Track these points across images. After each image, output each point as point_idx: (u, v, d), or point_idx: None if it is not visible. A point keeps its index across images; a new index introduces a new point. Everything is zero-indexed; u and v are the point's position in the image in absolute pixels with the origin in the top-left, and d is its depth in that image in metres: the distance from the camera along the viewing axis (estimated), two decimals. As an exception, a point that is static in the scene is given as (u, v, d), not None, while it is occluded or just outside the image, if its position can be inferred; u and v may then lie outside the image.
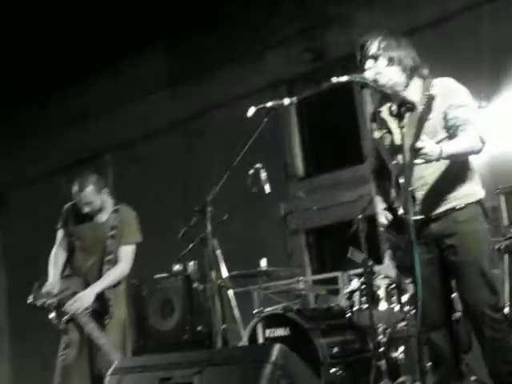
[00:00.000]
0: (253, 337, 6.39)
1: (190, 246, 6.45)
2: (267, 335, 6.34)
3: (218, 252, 6.21)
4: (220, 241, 6.23)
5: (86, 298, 5.80)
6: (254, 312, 6.60)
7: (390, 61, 4.37)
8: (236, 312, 6.42)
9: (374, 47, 4.40)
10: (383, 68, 4.37)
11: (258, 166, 6.20)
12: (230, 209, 6.30)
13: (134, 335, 8.95)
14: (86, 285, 5.93)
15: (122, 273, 6.03)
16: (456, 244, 4.33)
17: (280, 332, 6.30)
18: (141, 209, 11.73)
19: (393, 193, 4.56)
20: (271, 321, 6.37)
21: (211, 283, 5.50)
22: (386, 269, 6.02)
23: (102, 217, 6.13)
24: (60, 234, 6.20)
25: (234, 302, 6.41)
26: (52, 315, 5.83)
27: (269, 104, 4.65)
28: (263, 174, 6.21)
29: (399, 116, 3.90)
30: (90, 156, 12.72)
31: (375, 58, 4.38)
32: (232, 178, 5.00)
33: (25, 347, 12.86)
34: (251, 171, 6.18)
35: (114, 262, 6.00)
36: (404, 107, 3.89)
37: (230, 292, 6.44)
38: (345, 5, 9.80)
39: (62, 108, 13.01)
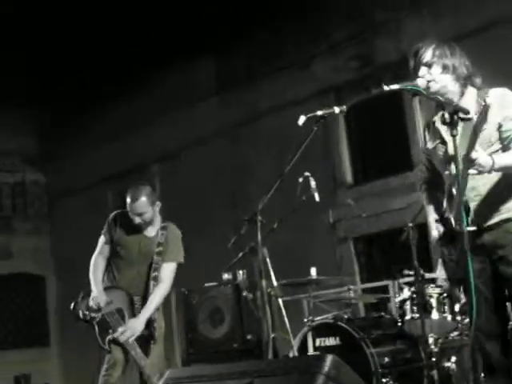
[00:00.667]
0: (303, 346, 6.37)
1: (240, 254, 6.45)
2: (317, 344, 6.32)
3: (268, 261, 6.19)
4: (269, 249, 6.21)
5: (137, 326, 5.74)
6: (304, 321, 6.57)
7: (445, 68, 4.32)
8: (286, 321, 6.39)
9: (428, 54, 4.35)
10: (437, 75, 4.32)
11: (307, 174, 6.19)
12: (280, 217, 6.29)
13: (183, 344, 8.98)
14: (129, 298, 5.88)
15: (165, 291, 5.96)
16: (508, 254, 4.28)
17: (330, 341, 6.28)
18: (189, 218, 11.90)
19: (445, 203, 4.51)
20: (321, 330, 6.34)
21: (261, 292, 5.47)
22: (440, 277, 5.97)
23: (151, 231, 6.06)
24: (102, 240, 6.11)
25: (283, 311, 6.38)
26: (96, 331, 5.76)
27: (319, 112, 4.61)
28: (313, 183, 6.20)
29: (452, 124, 3.85)
30: (137, 166, 12.82)
31: (429, 65, 4.33)
32: (281, 186, 4.99)
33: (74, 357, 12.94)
34: (301, 179, 6.17)
35: (158, 279, 5.92)
36: (457, 115, 3.84)
37: (280, 301, 6.41)
38: (393, 11, 9.75)
39: (112, 118, 13.14)
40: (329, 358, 3.35)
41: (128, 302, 5.86)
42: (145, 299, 5.86)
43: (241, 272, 7.60)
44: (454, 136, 3.86)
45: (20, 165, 14.30)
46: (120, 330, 5.69)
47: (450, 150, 4.28)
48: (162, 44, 11.12)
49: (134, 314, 5.81)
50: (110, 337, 5.70)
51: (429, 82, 4.31)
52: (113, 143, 13.06)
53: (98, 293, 5.81)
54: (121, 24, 10.76)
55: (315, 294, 7.28)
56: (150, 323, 5.81)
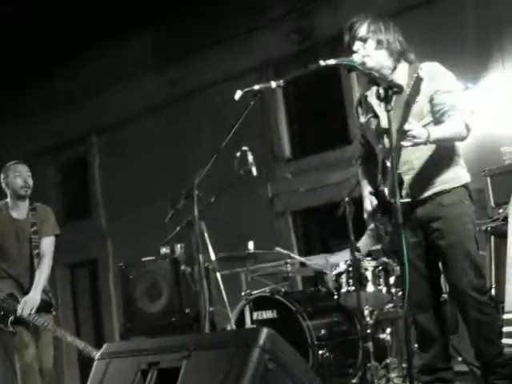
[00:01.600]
0: (240, 319, 6.41)
1: (177, 228, 6.45)
2: (255, 318, 6.37)
3: (206, 235, 6.21)
4: (207, 224, 6.22)
5: (35, 296, 6.06)
6: (242, 294, 6.61)
7: (379, 44, 4.38)
8: (224, 295, 6.43)
9: (362, 29, 4.40)
10: (371, 51, 4.37)
11: (245, 148, 6.20)
12: (217, 192, 6.30)
13: (121, 318, 8.97)
14: (16, 283, 6.19)
15: (49, 264, 6.35)
16: (442, 227, 4.36)
17: (267, 314, 6.34)
18: (127, 192, 11.84)
19: (379, 177, 4.57)
20: (259, 303, 6.39)
21: (199, 266, 5.49)
22: (364, 246, 6.08)
23: (21, 213, 6.41)
24: None
25: (221, 285, 6.41)
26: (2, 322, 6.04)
27: (256, 87, 4.63)
28: (250, 157, 6.21)
29: (386, 99, 3.90)
30: (76, 138, 12.70)
31: (364, 40, 4.38)
32: (218, 160, 5.00)
33: None
34: (238, 154, 6.18)
35: (41, 255, 6.32)
36: (391, 90, 3.89)
37: (218, 275, 6.44)
38: (333, -16, 9.77)
39: (48, 90, 12.96)
40: (264, 331, 3.38)
41: (17, 286, 6.16)
42: (32, 277, 6.20)
43: (178, 246, 7.61)
44: (388, 111, 3.91)
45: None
46: (19, 306, 6.00)
47: (383, 124, 4.35)
48: (101, 17, 10.96)
49: (25, 293, 6.10)
50: (11, 318, 5.99)
51: (363, 56, 4.36)
52: (50, 116, 12.89)
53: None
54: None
55: (253, 268, 7.33)
56: (45, 293, 6.18)
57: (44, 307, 6.13)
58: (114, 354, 3.74)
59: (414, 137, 3.99)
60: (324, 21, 9.77)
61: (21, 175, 6.44)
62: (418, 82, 3.92)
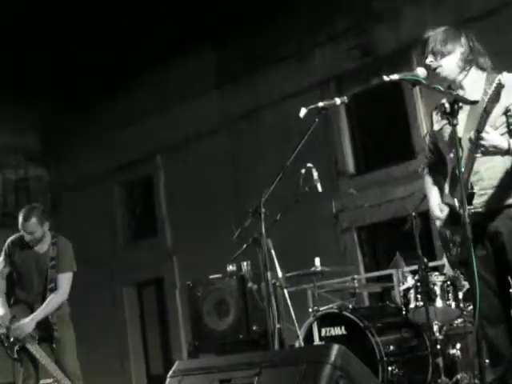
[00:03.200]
0: (308, 336, 6.40)
1: (244, 246, 6.47)
2: (323, 334, 6.36)
3: (273, 252, 6.23)
4: (273, 241, 6.24)
5: (26, 325, 6.32)
6: (309, 311, 6.61)
7: (450, 53, 4.35)
8: (291, 311, 6.43)
9: (435, 42, 4.37)
10: (444, 61, 4.35)
11: (310, 165, 6.21)
12: (283, 209, 6.32)
13: (189, 336, 9.03)
14: (30, 309, 6.48)
15: (61, 299, 6.57)
16: (509, 241, 4.29)
17: (336, 331, 6.31)
18: (193, 210, 11.94)
19: (447, 187, 4.53)
20: (327, 320, 6.38)
21: (266, 283, 5.51)
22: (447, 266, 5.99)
23: (42, 247, 6.63)
24: (1, 264, 6.67)
25: (289, 302, 6.41)
26: (5, 344, 6.38)
27: (320, 104, 4.63)
28: (315, 173, 6.22)
29: (452, 114, 3.87)
30: (141, 158, 12.87)
31: (436, 53, 4.36)
32: (283, 177, 5.02)
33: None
34: (303, 170, 6.19)
35: (54, 290, 6.54)
36: (457, 104, 3.86)
37: (285, 291, 6.45)
38: (391, 0, 9.76)
39: (113, 111, 13.18)
40: (335, 348, 3.39)
41: (30, 313, 6.42)
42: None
43: (245, 263, 7.63)
44: (454, 125, 3.88)
45: (23, 161, 14.33)
46: (12, 329, 6.33)
47: (458, 133, 4.30)
48: (163, 37, 11.12)
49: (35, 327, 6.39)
50: (17, 347, 6.31)
51: (435, 69, 4.34)
52: (115, 137, 13.11)
53: (3, 310, 6.45)
54: (121, 18, 10.77)
55: (320, 284, 7.32)
56: (48, 328, 6.45)
57: (45, 339, 6.41)
58: (186, 371, 3.78)
59: (493, 146, 3.94)
60: (384, 36, 9.77)
61: (24, 230, 6.53)
62: (498, 88, 3.88)
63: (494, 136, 3.94)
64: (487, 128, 3.92)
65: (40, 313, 6.40)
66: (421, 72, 4.30)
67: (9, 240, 6.69)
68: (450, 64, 4.36)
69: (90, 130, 13.55)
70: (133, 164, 13.05)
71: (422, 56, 4.42)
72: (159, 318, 13.26)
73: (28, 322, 6.34)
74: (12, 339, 6.32)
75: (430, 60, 4.36)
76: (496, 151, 3.98)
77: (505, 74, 4.18)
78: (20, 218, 6.49)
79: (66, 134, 13.96)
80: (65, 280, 6.60)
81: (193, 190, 11.98)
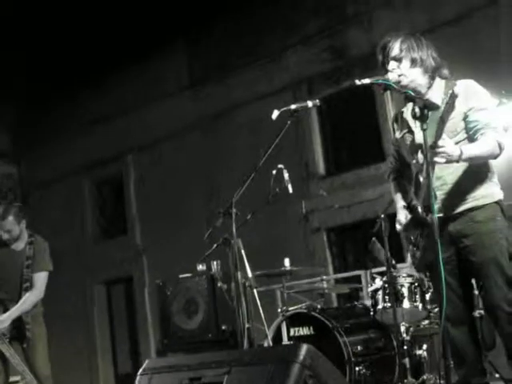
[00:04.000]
0: (277, 336, 6.45)
1: (214, 246, 6.49)
2: (291, 334, 6.40)
3: (243, 252, 6.26)
4: (244, 241, 6.27)
5: (0, 322, 6.38)
6: (278, 311, 6.65)
7: (413, 62, 4.41)
8: (261, 311, 6.47)
9: (396, 49, 4.43)
10: (406, 70, 4.41)
11: (281, 166, 6.25)
12: (253, 209, 6.35)
13: (157, 335, 9.03)
14: (5, 308, 6.53)
15: (36, 298, 6.64)
16: (474, 243, 4.36)
17: (304, 331, 6.36)
18: (164, 209, 11.94)
19: (411, 192, 4.60)
20: (295, 320, 6.42)
21: (236, 282, 5.54)
22: (411, 267, 6.05)
23: (19, 245, 6.73)
24: None
25: (258, 302, 6.45)
26: None
27: (292, 106, 4.68)
28: (286, 174, 6.26)
29: (422, 118, 3.93)
30: (112, 156, 12.84)
31: (398, 59, 4.41)
32: (255, 178, 5.06)
33: None
34: (274, 172, 6.23)
35: (30, 289, 6.61)
36: (427, 109, 3.93)
37: (255, 291, 6.49)
38: (364, 3, 9.83)
39: (84, 109, 13.13)
40: (304, 347, 3.43)
41: (2, 312, 6.50)
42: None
43: (215, 263, 7.65)
44: (424, 130, 3.95)
45: (-8, 158, 14.26)
46: None
47: (418, 139, 4.38)
48: (136, 36, 11.12)
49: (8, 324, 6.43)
50: None
51: (399, 76, 4.40)
52: (87, 134, 13.06)
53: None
54: (93, 16, 10.76)
55: (289, 284, 7.36)
56: (21, 325, 6.50)
57: (17, 337, 6.46)
58: (156, 369, 3.81)
59: (447, 154, 4.02)
60: (356, 39, 9.84)
61: (1, 229, 6.64)
62: (452, 98, 3.95)
63: (447, 143, 4.01)
64: (443, 136, 4.00)
65: (15, 311, 6.44)
66: (392, 77, 4.36)
67: None
68: (413, 73, 4.42)
69: (61, 128, 13.47)
70: (103, 162, 13.00)
71: (383, 61, 4.47)
72: (128, 317, 13.24)
73: (3, 320, 6.38)
74: None
75: (392, 67, 4.42)
76: (450, 158, 4.06)
77: (459, 82, 4.27)
78: None
79: (37, 131, 13.88)
80: (41, 279, 6.66)
81: (164, 190, 11.99)
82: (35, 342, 6.53)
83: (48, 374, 6.61)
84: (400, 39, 4.45)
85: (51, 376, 6.65)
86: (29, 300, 6.53)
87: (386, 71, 4.40)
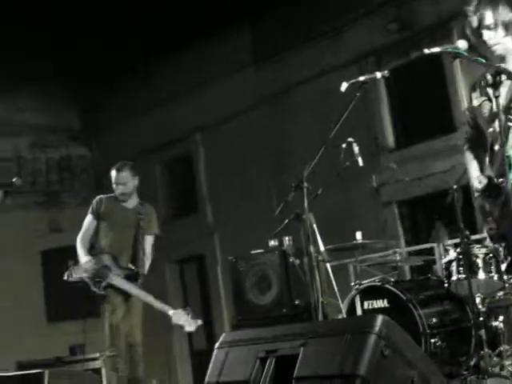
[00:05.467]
0: (351, 309, 6.44)
1: (286, 221, 6.52)
2: (365, 307, 6.38)
3: (315, 226, 6.27)
4: (315, 215, 6.28)
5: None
6: (352, 285, 6.65)
7: (507, 29, 4.30)
8: (334, 285, 6.48)
9: (488, 16, 4.32)
10: (501, 38, 4.30)
11: (351, 139, 6.23)
12: (324, 183, 6.35)
13: (231, 311, 9.11)
14: (113, 258, 6.82)
15: (149, 263, 7.02)
16: None
17: (378, 304, 6.33)
18: (234, 186, 12.02)
19: (486, 161, 4.54)
20: (369, 293, 6.39)
21: (309, 257, 5.56)
22: (487, 238, 5.98)
23: (130, 203, 7.05)
24: (89, 218, 7.04)
25: (331, 276, 6.46)
26: (91, 285, 6.73)
27: (361, 78, 4.67)
28: (356, 148, 6.24)
29: (494, 85, 3.87)
30: (181, 136, 12.95)
31: (492, 28, 4.31)
32: (324, 152, 5.06)
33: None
34: (344, 145, 6.22)
35: (141, 242, 6.92)
36: (499, 76, 3.86)
37: (328, 265, 6.50)
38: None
39: (152, 90, 13.27)
40: (379, 318, 3.44)
41: (113, 260, 6.81)
42: (134, 259, 6.88)
43: (287, 238, 7.66)
44: (496, 97, 3.89)
45: (65, 140, 14.51)
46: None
47: (495, 107, 4.30)
48: (200, 15, 11.16)
49: (120, 268, 6.79)
50: (104, 283, 6.67)
51: (495, 44, 4.29)
52: (155, 115, 13.21)
53: (85, 258, 6.82)
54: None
55: (361, 258, 7.35)
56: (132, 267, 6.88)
57: (131, 276, 6.76)
58: (233, 342, 3.86)
59: None
60: (422, 9, 9.71)
61: (117, 182, 6.99)
62: None
63: None
64: None
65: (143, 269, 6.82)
66: (461, 44, 4.29)
67: (97, 197, 7.10)
68: (507, 40, 4.32)
69: (130, 109, 13.65)
70: (173, 142, 13.14)
71: (471, 28, 4.37)
72: (201, 295, 13.39)
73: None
74: (97, 279, 6.67)
75: (487, 37, 4.30)
76: None
77: None
78: (113, 172, 6.98)
79: (108, 113, 14.09)
80: (151, 243, 7.06)
81: (233, 167, 12.05)
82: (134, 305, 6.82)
83: (139, 342, 6.92)
84: (490, 5, 4.34)
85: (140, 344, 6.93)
86: (146, 267, 6.90)
87: (479, 40, 4.29)
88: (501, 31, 4.31)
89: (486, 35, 4.32)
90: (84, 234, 7.03)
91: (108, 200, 7.06)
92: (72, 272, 6.84)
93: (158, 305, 6.79)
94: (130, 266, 6.85)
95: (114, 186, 7.00)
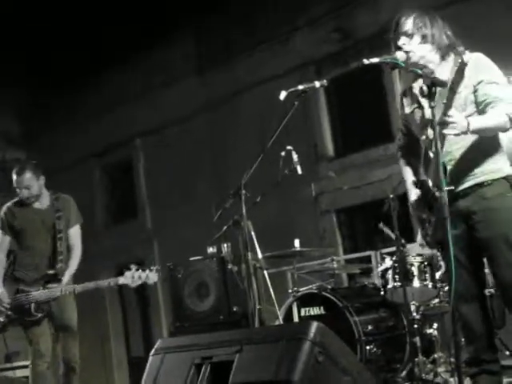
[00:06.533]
0: (288, 316, 6.49)
1: (224, 228, 6.53)
2: (302, 314, 6.44)
3: (253, 233, 6.28)
4: (253, 222, 6.29)
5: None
6: (289, 292, 6.69)
7: (424, 38, 4.38)
8: (271, 292, 6.51)
9: (408, 24, 4.40)
10: (416, 46, 4.39)
11: (290, 147, 6.26)
12: (263, 191, 6.37)
13: (169, 318, 9.07)
14: (36, 266, 6.39)
15: (80, 254, 6.59)
16: (483, 220, 4.35)
17: (315, 311, 6.40)
18: (173, 193, 11.97)
19: (421, 168, 4.61)
20: (306, 300, 6.46)
21: (246, 264, 5.58)
22: (419, 247, 6.06)
23: (43, 203, 6.53)
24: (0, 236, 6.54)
25: (269, 283, 6.49)
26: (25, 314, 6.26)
27: (300, 87, 4.68)
28: (295, 156, 6.27)
29: (430, 96, 3.93)
30: (121, 141, 12.86)
31: (409, 35, 4.39)
32: (264, 160, 5.07)
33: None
34: (283, 153, 6.24)
35: (65, 239, 6.47)
36: (435, 87, 3.93)
37: (265, 273, 6.52)
38: (372, -17, 9.79)
39: (92, 95, 13.15)
40: (314, 325, 3.46)
41: (41, 277, 6.34)
42: (54, 262, 6.40)
43: (225, 245, 7.68)
44: (432, 107, 3.95)
45: (1, 144, 14.28)
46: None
47: (427, 115, 4.36)
48: (142, 22, 11.12)
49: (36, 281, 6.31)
50: (33, 306, 6.22)
51: (408, 52, 4.38)
52: (95, 120, 13.09)
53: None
54: (99, 2, 10.75)
55: (299, 265, 7.39)
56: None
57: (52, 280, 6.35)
58: (168, 349, 3.85)
59: (455, 125, 4.00)
60: (364, 19, 9.80)
61: (19, 187, 6.43)
62: (461, 67, 3.95)
63: (455, 114, 4.01)
64: (452, 109, 4.00)
65: (71, 270, 6.49)
66: (400, 55, 4.36)
67: (4, 207, 6.55)
68: (422, 49, 4.41)
69: (70, 114, 13.51)
70: (112, 147, 13.04)
71: (394, 36, 4.45)
72: (139, 301, 13.31)
73: (64, 281, 6.38)
74: (22, 308, 6.20)
75: (402, 42, 4.41)
76: (458, 130, 4.05)
77: (467, 53, 4.26)
78: (14, 176, 6.35)
79: (46, 117, 13.91)
80: (77, 233, 6.59)
81: (173, 173, 12.01)
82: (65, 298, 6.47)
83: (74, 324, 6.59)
84: (413, 15, 4.43)
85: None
86: (75, 258, 6.53)
87: (396, 47, 4.39)
88: (417, 39, 4.39)
89: (401, 41, 4.40)
90: None
91: (17, 207, 6.53)
92: None
93: (100, 283, 6.45)
94: (50, 271, 6.37)
95: (17, 190, 6.44)
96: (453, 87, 4.00)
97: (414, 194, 4.61)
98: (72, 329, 6.56)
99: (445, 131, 4.02)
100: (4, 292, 6.28)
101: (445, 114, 3.98)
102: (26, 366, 6.66)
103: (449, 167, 4.34)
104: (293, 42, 10.61)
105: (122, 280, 6.34)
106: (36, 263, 6.43)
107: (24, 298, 6.25)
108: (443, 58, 4.43)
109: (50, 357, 6.41)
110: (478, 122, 4.16)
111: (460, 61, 3.94)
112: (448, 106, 3.99)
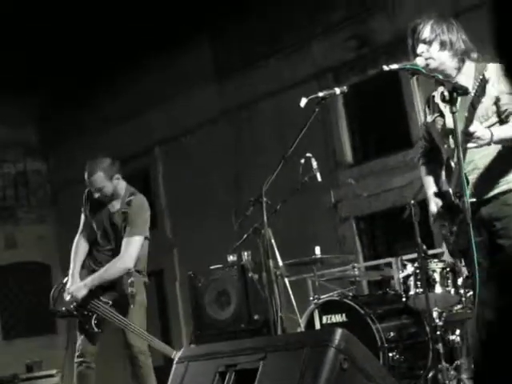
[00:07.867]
0: (310, 324, 6.47)
1: (245, 236, 6.52)
2: (324, 322, 6.42)
3: (273, 241, 6.28)
4: (273, 230, 6.29)
5: (77, 291, 5.71)
6: (310, 299, 6.67)
7: (442, 45, 4.38)
8: (292, 300, 6.50)
9: (426, 31, 4.39)
10: (435, 53, 4.38)
11: (309, 155, 6.27)
12: (283, 199, 6.37)
13: (189, 327, 9.07)
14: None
15: (124, 265, 5.73)
16: (506, 227, 4.33)
17: (337, 318, 6.38)
18: (192, 201, 11.99)
19: (443, 177, 4.59)
20: (328, 307, 6.44)
21: (267, 272, 5.57)
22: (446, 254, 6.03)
23: (115, 205, 5.92)
24: (82, 218, 6.08)
25: (290, 290, 6.48)
26: (86, 323, 5.81)
27: (320, 94, 4.70)
28: (314, 163, 6.28)
29: (451, 102, 3.93)
30: (139, 150, 12.90)
31: (428, 42, 4.39)
32: (284, 167, 5.08)
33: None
34: (302, 160, 6.25)
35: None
36: (456, 92, 3.92)
37: (286, 280, 6.51)
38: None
39: (111, 104, 13.21)
40: (339, 332, 3.45)
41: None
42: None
43: (246, 253, 7.67)
44: (453, 113, 3.94)
45: (21, 155, 14.37)
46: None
47: (448, 124, 4.36)
48: (161, 29, 11.16)
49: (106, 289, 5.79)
50: (94, 318, 5.75)
51: (427, 59, 4.38)
52: (113, 130, 13.14)
53: (73, 287, 5.75)
54: (119, 9, 10.79)
55: (320, 273, 7.38)
56: (118, 288, 5.78)
57: (122, 306, 5.78)
58: (192, 357, 3.85)
59: (478, 138, 4.02)
60: (381, 26, 9.80)
61: (91, 188, 5.89)
62: (482, 83, 3.94)
63: (478, 128, 4.01)
64: (474, 121, 4.00)
65: (96, 278, 5.71)
66: (420, 61, 4.35)
67: (85, 191, 6.03)
68: (441, 56, 4.40)
69: (88, 123, 13.57)
70: (131, 157, 13.06)
71: (412, 43, 4.44)
72: (159, 310, 13.31)
73: (78, 287, 5.69)
74: (86, 312, 5.71)
75: (421, 50, 4.40)
76: (481, 142, 4.06)
77: (489, 66, 4.25)
78: (85, 175, 5.82)
79: (64, 127, 13.99)
80: (131, 245, 5.69)
81: (192, 182, 12.03)
82: (134, 312, 5.82)
83: (144, 349, 6.00)
84: (431, 22, 4.42)
85: (143, 352, 6.02)
86: (114, 267, 5.66)
87: (415, 54, 4.38)
88: (435, 46, 4.38)
89: (420, 48, 4.39)
90: (78, 240, 6.04)
91: (92, 200, 5.92)
92: (55, 302, 5.90)
93: (158, 346, 5.85)
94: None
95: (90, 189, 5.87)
96: (473, 102, 3.99)
97: (434, 205, 4.59)
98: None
99: (469, 145, 4.03)
100: (80, 287, 5.72)
101: (467, 126, 3.98)
102: (48, 376, 6.56)
103: (471, 176, 4.34)
104: (310, 49, 10.63)
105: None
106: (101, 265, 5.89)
107: (92, 304, 5.76)
108: (461, 63, 4.42)
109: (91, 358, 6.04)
110: (501, 132, 4.16)
111: (481, 77, 3.93)
112: (470, 118, 3.99)
